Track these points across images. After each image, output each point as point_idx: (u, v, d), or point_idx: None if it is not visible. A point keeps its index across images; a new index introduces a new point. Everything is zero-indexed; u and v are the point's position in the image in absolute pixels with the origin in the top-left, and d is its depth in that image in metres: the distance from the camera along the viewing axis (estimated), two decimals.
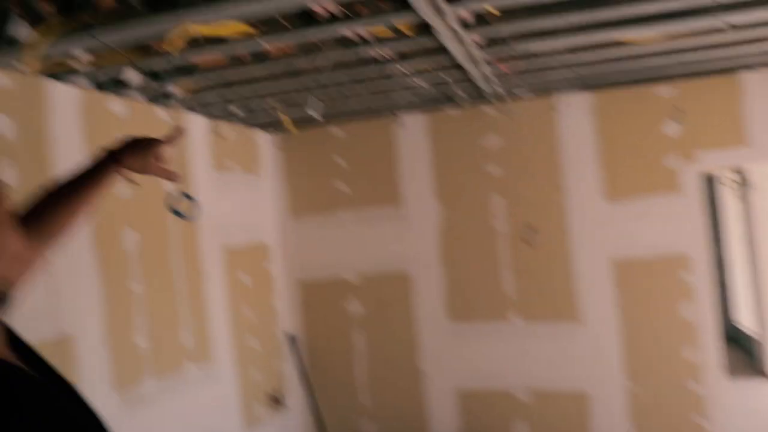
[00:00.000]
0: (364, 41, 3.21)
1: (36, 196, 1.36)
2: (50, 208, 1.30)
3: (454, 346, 5.09)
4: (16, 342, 0.97)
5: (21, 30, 2.87)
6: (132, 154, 1.44)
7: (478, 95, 4.48)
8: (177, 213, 2.43)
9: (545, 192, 4.84)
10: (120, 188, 3.60)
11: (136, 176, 1.54)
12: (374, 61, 3.52)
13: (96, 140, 3.45)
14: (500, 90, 4.31)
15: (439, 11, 2.57)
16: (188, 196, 2.40)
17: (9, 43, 2.80)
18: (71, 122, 3.34)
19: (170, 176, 1.56)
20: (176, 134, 1.59)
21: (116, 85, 3.53)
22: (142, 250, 3.76)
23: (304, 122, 5.05)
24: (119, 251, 3.59)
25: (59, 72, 3.18)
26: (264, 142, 5.38)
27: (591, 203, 4.75)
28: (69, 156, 3.28)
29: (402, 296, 5.19)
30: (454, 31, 2.88)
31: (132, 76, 3.50)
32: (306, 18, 2.81)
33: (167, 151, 1.55)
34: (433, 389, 5.15)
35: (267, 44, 2.85)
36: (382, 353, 5.26)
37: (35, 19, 2.69)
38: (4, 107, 2.93)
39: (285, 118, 4.72)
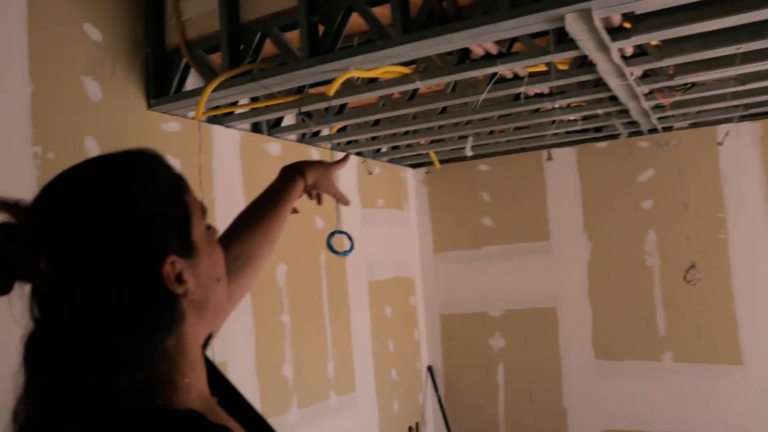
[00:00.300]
0: (517, 77, 3.16)
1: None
2: (243, 230, 1.30)
3: (601, 385, 4.84)
4: (217, 380, 0.96)
5: (193, 81, 3.06)
6: (314, 170, 1.46)
7: (632, 128, 4.28)
8: (333, 250, 2.46)
9: (704, 227, 4.53)
10: None
11: (303, 200, 1.54)
12: (525, 96, 3.45)
13: (253, 179, 3.59)
14: (656, 122, 4.10)
15: (602, 47, 2.46)
16: (346, 234, 2.43)
17: (180, 93, 2.99)
18: (231, 162, 3.50)
19: (343, 199, 1.58)
20: (345, 160, 1.61)
21: (272, 127, 3.68)
22: (292, 283, 3.86)
23: (449, 157, 5.04)
24: (272, 284, 3.70)
25: (221, 116, 3.35)
26: (409, 177, 5.42)
27: (756, 238, 4.39)
28: (228, 194, 3.43)
29: (547, 332, 5.02)
30: (616, 65, 2.76)
31: (287, 118, 3.64)
32: (461, 57, 2.79)
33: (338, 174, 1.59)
34: (577, 428, 4.91)
35: (421, 84, 2.85)
36: (523, 389, 5.10)
37: (206, 71, 2.85)
38: (173, 149, 3.11)
39: (432, 155, 4.72)
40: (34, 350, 0.76)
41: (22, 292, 0.75)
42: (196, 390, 0.81)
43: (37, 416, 0.74)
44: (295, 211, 1.43)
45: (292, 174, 1.42)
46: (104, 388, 0.72)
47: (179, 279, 0.79)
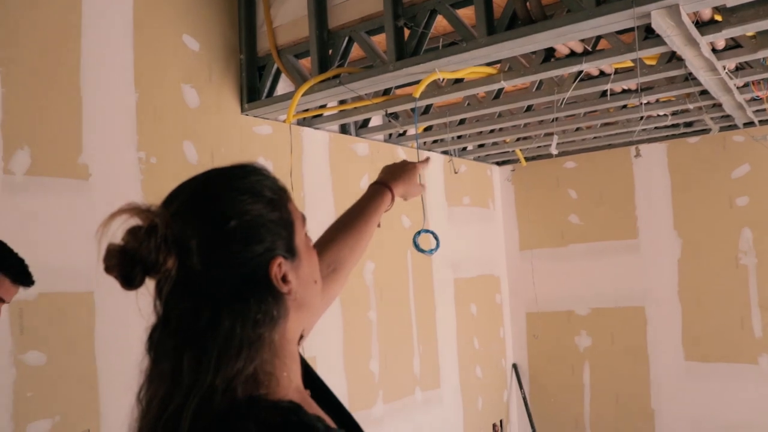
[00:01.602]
0: (603, 74, 3.13)
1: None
2: (335, 240, 1.40)
3: (691, 387, 4.70)
4: (311, 379, 1.05)
5: (283, 85, 3.18)
6: (399, 183, 1.54)
7: (725, 122, 4.15)
8: (420, 248, 2.52)
9: None
10: None
11: (392, 209, 1.62)
12: (612, 93, 3.41)
13: (341, 178, 3.70)
14: (752, 115, 3.95)
15: (692, 41, 2.42)
16: (432, 233, 2.48)
17: (271, 97, 3.12)
18: (320, 163, 3.61)
19: (423, 191, 1.68)
20: (426, 162, 1.69)
21: (359, 128, 3.77)
22: (380, 281, 3.94)
23: (535, 154, 5.01)
24: (360, 281, 3.79)
25: (310, 118, 3.46)
26: (495, 176, 5.43)
27: None
28: (317, 193, 3.54)
29: (635, 331, 4.91)
30: (706, 59, 2.70)
31: (374, 118, 3.72)
32: (546, 56, 2.80)
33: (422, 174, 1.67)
34: (665, 431, 4.79)
35: (506, 84, 2.87)
36: (610, 389, 5.01)
37: (296, 76, 2.96)
38: (265, 152, 3.25)
39: (518, 152, 4.71)
40: (158, 340, 0.86)
41: (147, 289, 0.86)
42: (293, 382, 0.91)
43: (158, 400, 0.84)
44: (378, 225, 1.52)
45: (380, 188, 1.51)
46: (221, 374, 0.81)
47: (285, 279, 0.89)
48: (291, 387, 0.89)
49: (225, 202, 0.89)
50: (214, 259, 0.85)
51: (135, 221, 0.84)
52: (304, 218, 0.99)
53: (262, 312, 0.85)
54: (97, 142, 2.55)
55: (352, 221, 1.44)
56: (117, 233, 0.83)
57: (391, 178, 1.53)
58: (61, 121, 2.45)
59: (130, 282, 0.83)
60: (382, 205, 1.48)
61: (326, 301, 1.31)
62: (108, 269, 0.83)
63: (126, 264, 0.82)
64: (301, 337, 1.01)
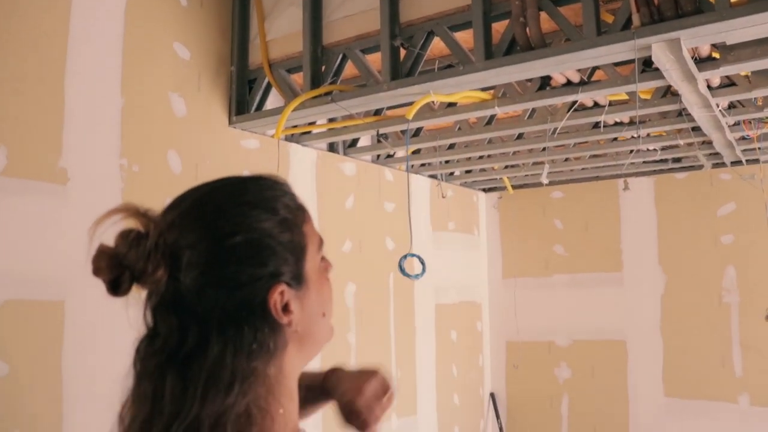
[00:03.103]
0: (597, 105, 3.11)
1: None
2: None
3: (670, 424, 4.66)
4: None
5: (273, 99, 3.13)
6: (356, 412, 1.13)
7: (714, 159, 4.15)
8: (405, 273, 2.46)
9: None
10: (343, 243, 3.75)
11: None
12: (604, 125, 3.39)
13: (327, 196, 3.63)
14: (740, 154, 3.96)
15: (689, 77, 2.40)
16: (418, 257, 2.43)
17: (261, 111, 3.06)
18: (306, 180, 3.55)
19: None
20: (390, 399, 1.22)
21: (348, 147, 3.72)
22: (361, 303, 3.87)
23: (522, 183, 4.99)
24: (341, 303, 3.72)
25: (299, 135, 3.40)
26: (481, 202, 5.39)
27: None
28: None
29: (615, 365, 4.87)
30: (702, 96, 2.68)
31: (363, 138, 3.67)
32: (542, 84, 2.77)
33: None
34: None
35: (500, 111, 2.83)
36: (587, 422, 4.95)
37: (286, 91, 2.91)
38: (251, 166, 3.18)
39: (505, 180, 4.69)
40: (143, 355, 0.78)
41: (139, 297, 0.79)
42: (291, 422, 0.82)
43: (139, 422, 0.76)
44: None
45: (330, 396, 1.16)
46: (207, 407, 0.73)
47: (286, 308, 0.81)
48: (288, 427, 0.81)
49: (230, 214, 0.81)
50: (209, 276, 0.77)
51: (133, 224, 0.78)
52: (321, 242, 0.90)
53: (257, 342, 0.77)
54: (78, 146, 2.46)
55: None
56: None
57: (350, 396, 1.12)
58: (41, 122, 2.37)
59: (116, 288, 0.77)
60: (325, 404, 1.18)
61: None
62: (96, 271, 0.77)
63: (114, 268, 0.76)
64: None
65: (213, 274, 0.77)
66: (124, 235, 0.77)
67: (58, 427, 2.32)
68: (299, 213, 0.88)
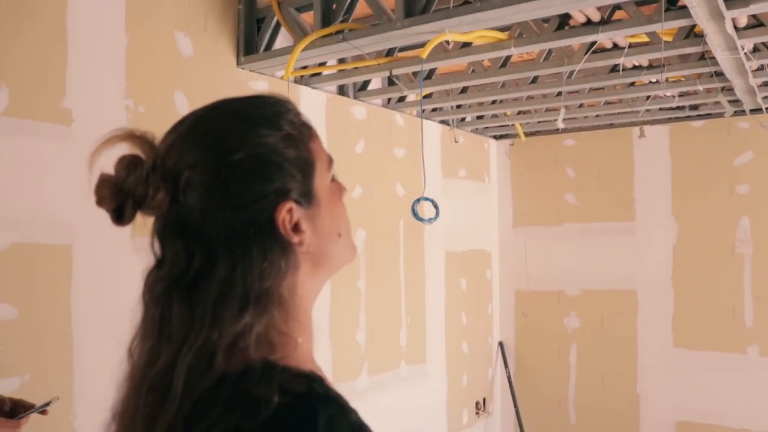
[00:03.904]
0: (617, 47, 3.01)
1: None
2: None
3: (678, 374, 4.66)
4: None
5: (282, 40, 3.03)
6: None
7: (733, 107, 4.04)
8: (418, 216, 2.41)
9: None
10: (353, 189, 3.70)
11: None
12: (622, 69, 3.29)
13: (337, 141, 3.57)
14: (761, 102, 3.85)
15: (717, 15, 2.30)
16: (431, 201, 2.38)
17: (269, 51, 2.97)
18: (317, 124, 3.44)
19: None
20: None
21: (358, 90, 3.63)
22: (371, 250, 3.83)
23: (534, 130, 4.90)
24: None
25: (308, 77, 3.32)
26: (492, 150, 5.31)
27: None
28: None
29: (625, 315, 4.85)
30: (728, 37, 2.58)
31: (373, 82, 3.58)
32: (560, 23, 2.67)
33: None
34: (649, 416, 4.75)
35: (516, 51, 2.74)
36: (595, 371, 4.96)
37: (296, 30, 2.82)
38: None
39: (518, 126, 4.59)
40: (150, 284, 0.76)
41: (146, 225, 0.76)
42: (310, 354, 0.79)
43: (146, 352, 0.74)
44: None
45: None
46: (219, 328, 0.70)
47: (296, 228, 0.77)
48: (309, 356, 0.78)
49: (231, 131, 0.77)
50: (212, 196, 0.74)
51: (134, 150, 0.74)
52: (331, 161, 0.86)
53: (268, 261, 0.73)
54: (82, 87, 2.39)
55: None
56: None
57: None
58: (44, 62, 2.29)
59: (120, 216, 0.74)
60: None
61: None
62: (99, 201, 0.74)
63: (116, 196, 0.73)
64: None
65: (216, 193, 0.74)
66: (122, 161, 0.74)
67: (69, 369, 2.31)
68: (305, 129, 0.84)
